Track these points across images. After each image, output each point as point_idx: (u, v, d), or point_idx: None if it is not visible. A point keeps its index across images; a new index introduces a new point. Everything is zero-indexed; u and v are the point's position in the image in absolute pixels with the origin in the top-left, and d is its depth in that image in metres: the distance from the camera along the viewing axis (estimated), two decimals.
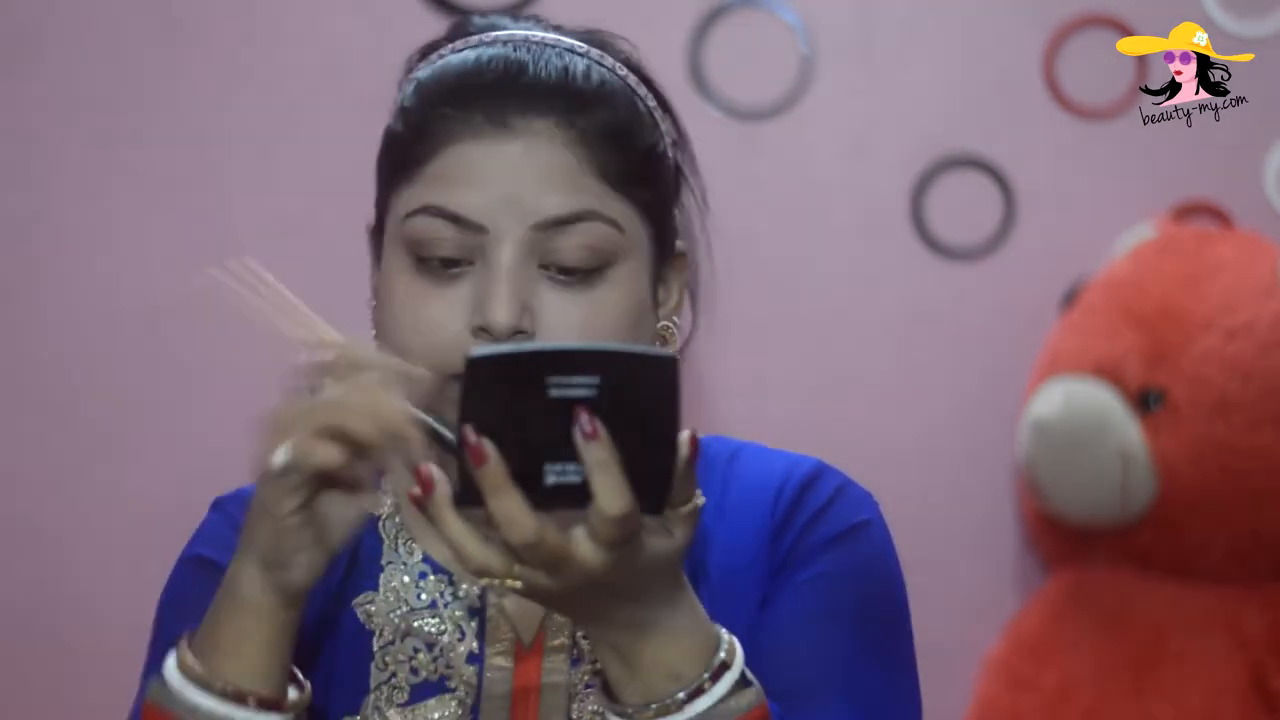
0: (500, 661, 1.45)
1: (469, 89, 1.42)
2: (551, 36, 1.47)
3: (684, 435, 1.26)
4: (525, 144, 1.40)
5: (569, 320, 1.40)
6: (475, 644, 1.46)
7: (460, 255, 1.41)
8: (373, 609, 1.47)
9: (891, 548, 1.49)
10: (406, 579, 1.48)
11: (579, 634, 1.46)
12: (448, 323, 1.41)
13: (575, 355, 1.24)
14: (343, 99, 2.88)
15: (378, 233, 1.48)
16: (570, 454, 1.23)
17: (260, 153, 2.90)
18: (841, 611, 1.44)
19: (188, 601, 1.43)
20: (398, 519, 1.51)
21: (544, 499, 1.24)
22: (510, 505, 1.23)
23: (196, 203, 2.90)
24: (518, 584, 1.26)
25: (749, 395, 2.92)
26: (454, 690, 1.45)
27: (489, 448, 1.22)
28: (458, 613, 1.46)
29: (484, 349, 1.24)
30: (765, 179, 2.96)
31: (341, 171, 2.74)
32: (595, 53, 1.47)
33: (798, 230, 2.97)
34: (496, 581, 1.26)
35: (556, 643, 1.46)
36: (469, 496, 1.24)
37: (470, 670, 1.45)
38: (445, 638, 1.46)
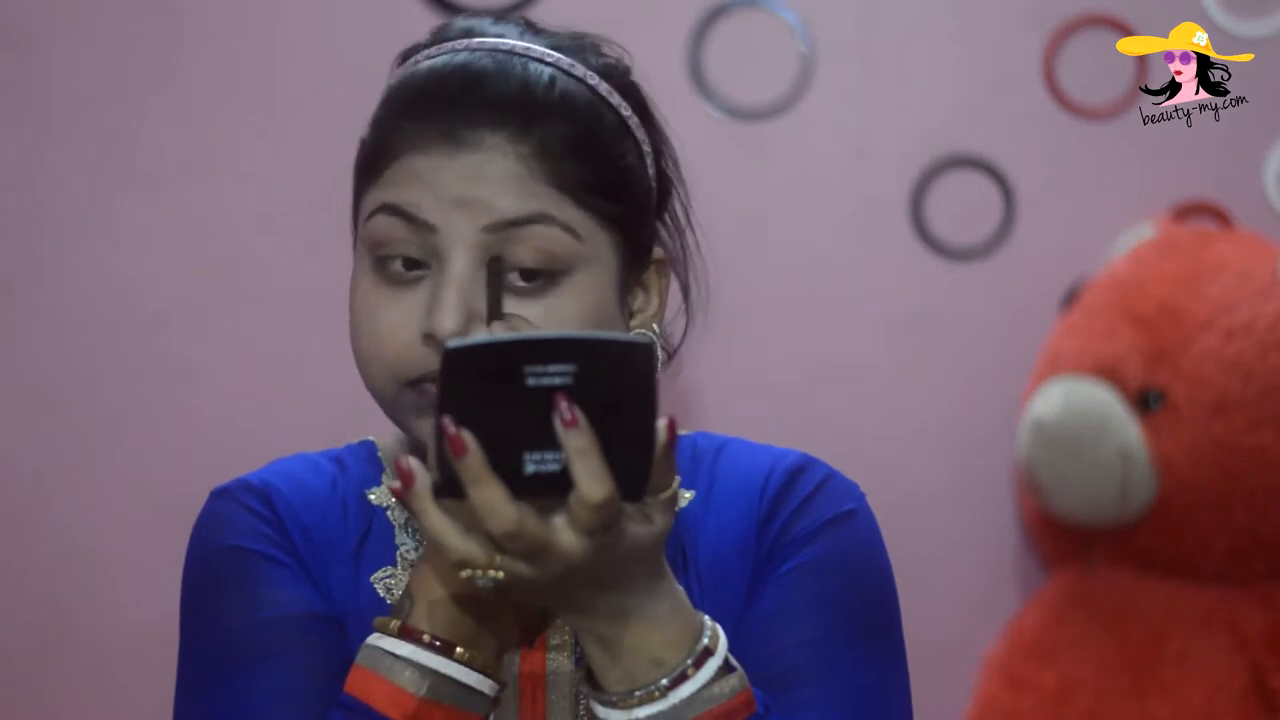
0: (504, 659, 1.46)
1: (425, 102, 1.43)
2: (521, 45, 1.46)
3: (661, 422, 1.26)
4: (476, 157, 1.41)
5: (523, 327, 1.40)
6: None
7: (418, 256, 1.42)
8: (392, 582, 1.48)
9: (878, 537, 1.49)
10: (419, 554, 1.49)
11: None
12: (401, 330, 1.42)
13: (551, 344, 1.24)
14: (343, 99, 2.87)
15: (354, 239, 1.49)
16: (549, 442, 1.23)
17: (260, 152, 2.90)
18: (828, 600, 1.44)
19: (237, 599, 1.44)
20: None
21: (524, 488, 1.24)
22: (491, 495, 1.24)
23: (196, 202, 2.90)
24: (500, 574, 1.27)
25: (749, 394, 2.92)
26: None
27: (468, 438, 1.23)
28: None
29: (461, 340, 1.24)
30: (765, 179, 2.96)
31: (342, 171, 2.75)
32: (565, 61, 1.46)
33: (797, 230, 2.97)
34: (479, 572, 1.27)
35: (557, 641, 1.46)
36: (450, 487, 1.25)
37: None
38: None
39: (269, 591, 1.44)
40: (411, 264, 1.42)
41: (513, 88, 1.42)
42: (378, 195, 1.43)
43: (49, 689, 2.90)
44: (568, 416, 1.23)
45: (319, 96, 2.90)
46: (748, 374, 2.92)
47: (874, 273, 2.98)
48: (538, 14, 2.81)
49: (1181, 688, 2.81)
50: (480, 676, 1.37)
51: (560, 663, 1.45)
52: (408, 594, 1.38)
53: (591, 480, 1.24)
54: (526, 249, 1.40)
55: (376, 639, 1.38)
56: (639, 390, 1.24)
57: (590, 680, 1.35)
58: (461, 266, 1.40)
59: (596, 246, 1.43)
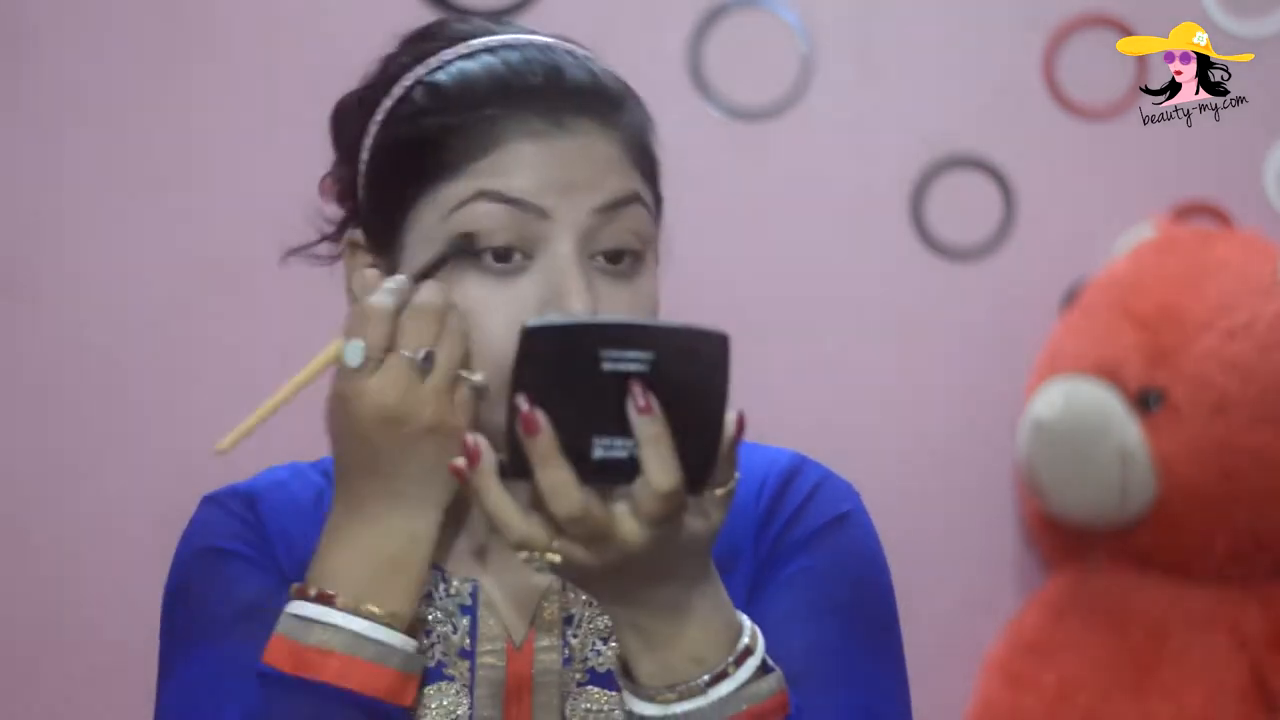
0: (491, 660, 1.46)
1: (514, 90, 1.42)
2: (555, 40, 1.46)
3: (731, 416, 1.27)
4: (580, 141, 1.41)
5: (620, 309, 1.40)
6: (467, 640, 1.46)
7: (516, 244, 1.40)
8: None
9: (875, 537, 1.49)
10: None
11: (569, 634, 1.46)
12: (515, 324, 1.34)
13: (630, 329, 1.24)
14: None
15: (380, 242, 1.46)
16: (619, 428, 1.23)
17: (260, 153, 2.90)
18: (828, 603, 1.44)
19: (208, 591, 1.45)
20: None
21: (590, 473, 1.24)
22: (559, 477, 1.24)
23: (196, 202, 2.90)
24: (556, 557, 1.27)
25: (748, 394, 2.91)
26: (452, 679, 1.45)
27: (542, 418, 1.23)
28: (450, 607, 1.47)
29: (540, 319, 1.24)
30: (765, 179, 2.96)
31: None
32: (596, 58, 1.47)
33: (797, 230, 2.97)
34: (536, 554, 1.27)
35: (546, 643, 1.46)
36: (516, 468, 1.25)
37: (464, 664, 1.46)
38: (440, 628, 1.46)
39: (241, 587, 1.45)
40: (499, 254, 1.40)
41: (587, 78, 1.43)
42: (471, 184, 1.40)
43: (49, 691, 2.89)
44: (642, 403, 1.23)
45: (319, 96, 2.89)
46: (747, 374, 2.91)
47: (874, 273, 2.98)
48: (538, 14, 2.81)
49: (1181, 688, 2.81)
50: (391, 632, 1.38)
51: (548, 664, 1.45)
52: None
53: (661, 469, 1.23)
54: (622, 229, 1.41)
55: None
56: (712, 382, 1.25)
57: (626, 674, 1.34)
58: (570, 252, 1.39)
59: (656, 230, 1.45)
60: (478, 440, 1.27)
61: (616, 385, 1.23)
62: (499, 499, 1.27)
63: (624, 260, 1.41)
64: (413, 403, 1.35)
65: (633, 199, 1.41)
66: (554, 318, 1.26)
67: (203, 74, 2.90)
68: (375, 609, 1.37)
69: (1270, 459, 2.77)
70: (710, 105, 2.93)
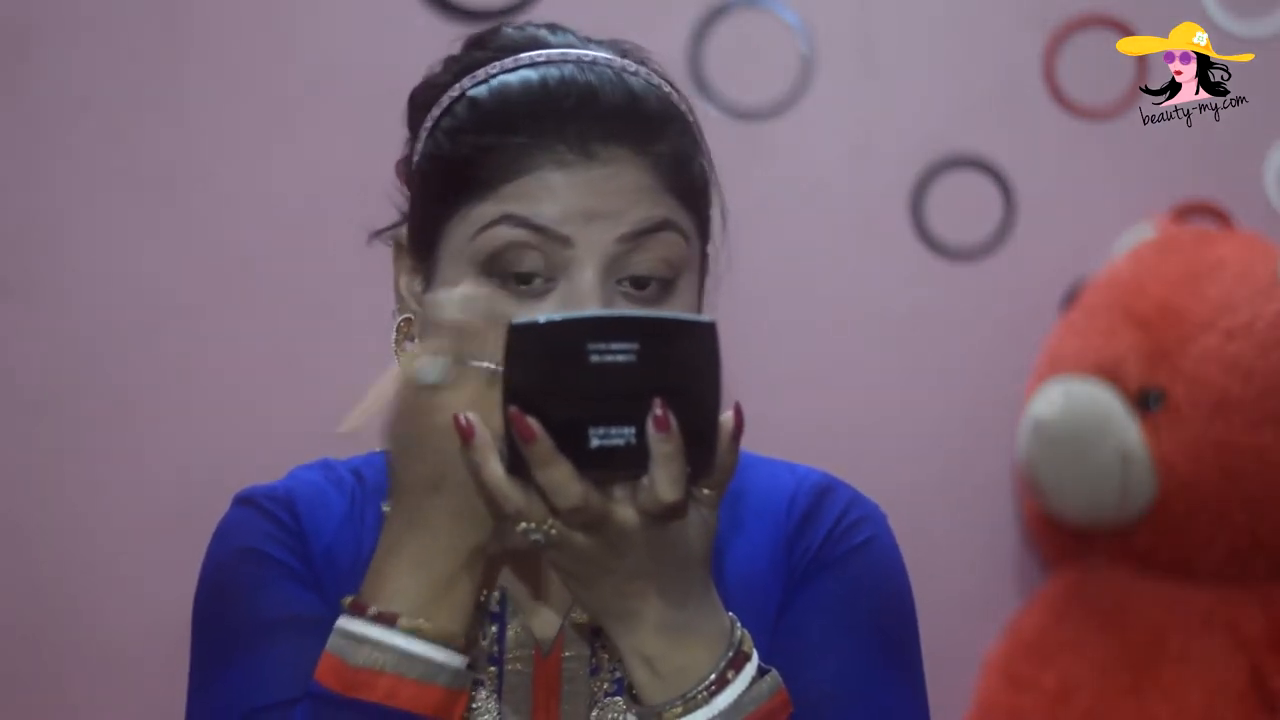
0: (518, 666, 1.46)
1: (546, 116, 1.41)
2: (604, 55, 1.46)
3: (728, 414, 1.29)
4: (608, 169, 1.41)
5: None
6: (495, 646, 1.47)
7: (538, 269, 1.40)
8: None
9: (900, 559, 1.51)
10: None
11: (598, 645, 1.46)
12: None
13: (614, 321, 1.27)
14: (343, 99, 2.88)
15: (419, 249, 1.46)
16: (613, 418, 1.26)
17: (260, 152, 2.90)
18: (856, 626, 1.45)
19: (244, 598, 1.44)
20: None
21: (589, 462, 1.26)
22: (557, 475, 1.26)
23: (196, 203, 2.90)
24: (553, 530, 1.29)
25: (749, 396, 2.91)
26: (481, 684, 1.45)
27: (535, 424, 1.25)
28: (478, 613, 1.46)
29: (525, 318, 1.26)
30: (765, 179, 2.96)
31: (341, 171, 2.75)
32: (644, 70, 1.46)
33: (798, 230, 2.98)
34: (533, 525, 1.29)
35: (573, 653, 1.46)
36: (515, 466, 1.28)
37: (491, 670, 1.46)
38: (469, 630, 1.46)
39: (278, 595, 1.44)
40: (522, 278, 1.40)
41: (624, 101, 1.43)
42: (497, 208, 1.40)
43: (52, 691, 2.90)
44: (660, 417, 1.25)
45: (319, 96, 2.90)
46: (747, 374, 2.91)
47: (874, 273, 2.98)
48: (538, 14, 2.81)
49: (1181, 688, 2.81)
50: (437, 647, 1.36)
51: (575, 673, 1.46)
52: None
53: (668, 484, 1.26)
54: (651, 257, 1.41)
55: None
56: (703, 370, 1.28)
57: (632, 696, 1.35)
58: (592, 279, 1.39)
59: (694, 251, 1.46)
60: (470, 417, 1.29)
61: (606, 376, 1.25)
62: (497, 472, 1.29)
63: (650, 287, 1.41)
64: (487, 415, 1.31)
65: (661, 226, 1.42)
66: (539, 315, 1.28)
67: (203, 74, 2.90)
68: (429, 627, 1.35)
69: (1270, 459, 2.77)
70: (710, 105, 2.93)
